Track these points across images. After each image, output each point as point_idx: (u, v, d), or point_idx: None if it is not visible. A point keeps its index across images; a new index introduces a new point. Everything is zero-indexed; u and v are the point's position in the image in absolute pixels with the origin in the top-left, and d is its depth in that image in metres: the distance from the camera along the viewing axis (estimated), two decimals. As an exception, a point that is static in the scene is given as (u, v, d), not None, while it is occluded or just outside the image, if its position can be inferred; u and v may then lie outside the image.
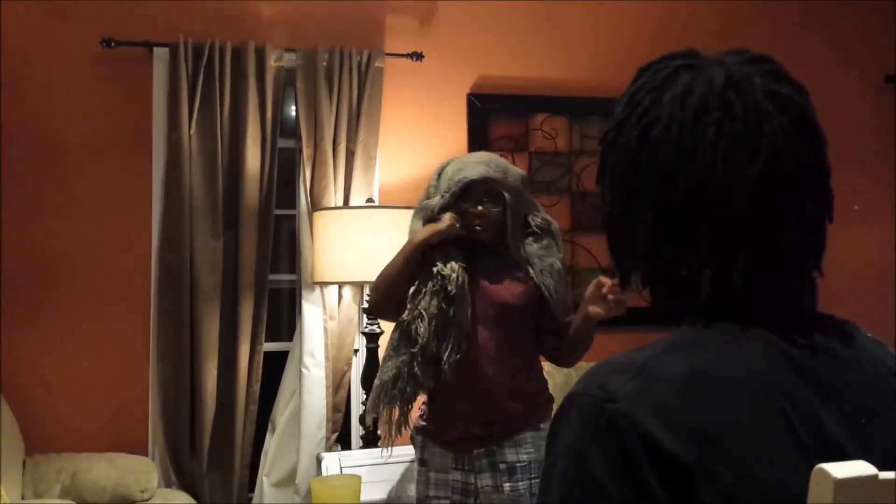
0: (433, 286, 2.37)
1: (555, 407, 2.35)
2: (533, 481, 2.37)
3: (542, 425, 2.41)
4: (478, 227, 2.42)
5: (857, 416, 0.82)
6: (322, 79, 3.56)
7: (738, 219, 0.84)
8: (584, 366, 2.72)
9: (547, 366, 3.67)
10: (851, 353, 0.87)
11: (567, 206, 3.96)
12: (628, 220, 0.90)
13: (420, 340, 2.36)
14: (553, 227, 2.52)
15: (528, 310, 2.43)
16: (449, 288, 2.34)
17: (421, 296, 2.39)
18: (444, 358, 2.34)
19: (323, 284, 3.48)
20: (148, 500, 3.16)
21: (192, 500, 3.30)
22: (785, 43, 4.18)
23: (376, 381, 2.46)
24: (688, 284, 0.87)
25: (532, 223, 2.49)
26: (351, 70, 3.60)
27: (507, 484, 2.36)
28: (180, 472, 3.42)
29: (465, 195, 2.41)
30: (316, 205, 3.53)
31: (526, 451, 2.38)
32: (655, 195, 0.87)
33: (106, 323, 3.51)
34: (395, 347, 2.44)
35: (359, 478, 2.53)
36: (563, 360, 2.55)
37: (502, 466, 2.38)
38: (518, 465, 2.37)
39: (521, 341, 2.46)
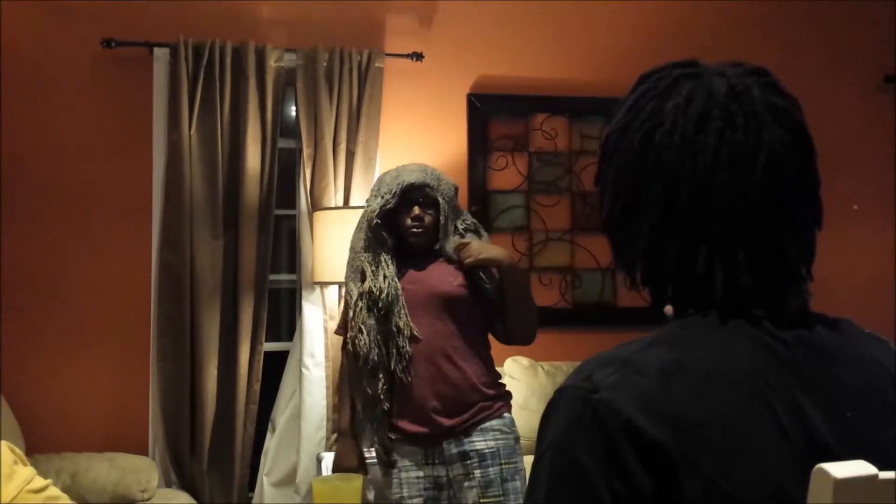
0: (367, 302, 2.49)
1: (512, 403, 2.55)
2: (503, 467, 2.46)
3: (505, 414, 2.52)
4: (414, 230, 2.54)
5: (844, 410, 0.84)
6: (322, 79, 3.56)
7: (739, 221, 0.87)
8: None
9: (546, 365, 3.68)
10: (841, 349, 0.90)
11: (567, 206, 3.96)
12: (631, 221, 0.93)
13: (361, 353, 2.47)
14: (480, 229, 2.67)
15: (469, 297, 2.53)
16: (380, 305, 2.47)
17: (357, 312, 2.51)
18: (392, 366, 2.45)
19: (323, 284, 3.48)
20: (148, 499, 3.16)
21: (193, 500, 3.30)
22: (785, 43, 4.18)
23: (353, 418, 2.60)
24: (697, 283, 0.89)
25: (460, 227, 2.63)
26: (351, 70, 3.60)
27: (478, 471, 2.44)
28: (180, 472, 3.42)
29: (403, 201, 2.53)
30: (316, 205, 3.53)
31: (494, 437, 2.47)
32: (659, 197, 0.90)
33: (106, 323, 3.51)
34: (351, 379, 2.58)
35: (360, 477, 2.52)
36: (514, 337, 2.62)
37: (472, 454, 2.45)
38: (487, 451, 2.45)
39: (471, 332, 2.54)
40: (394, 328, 2.46)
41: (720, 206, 0.87)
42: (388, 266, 2.51)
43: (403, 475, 2.51)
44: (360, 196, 3.58)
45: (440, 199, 2.54)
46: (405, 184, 2.52)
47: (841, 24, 4.27)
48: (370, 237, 2.55)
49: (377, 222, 2.52)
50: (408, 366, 2.46)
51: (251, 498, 3.55)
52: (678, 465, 0.77)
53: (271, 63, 3.54)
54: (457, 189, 2.66)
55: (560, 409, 0.84)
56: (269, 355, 3.62)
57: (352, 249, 2.63)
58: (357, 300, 2.51)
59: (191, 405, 3.42)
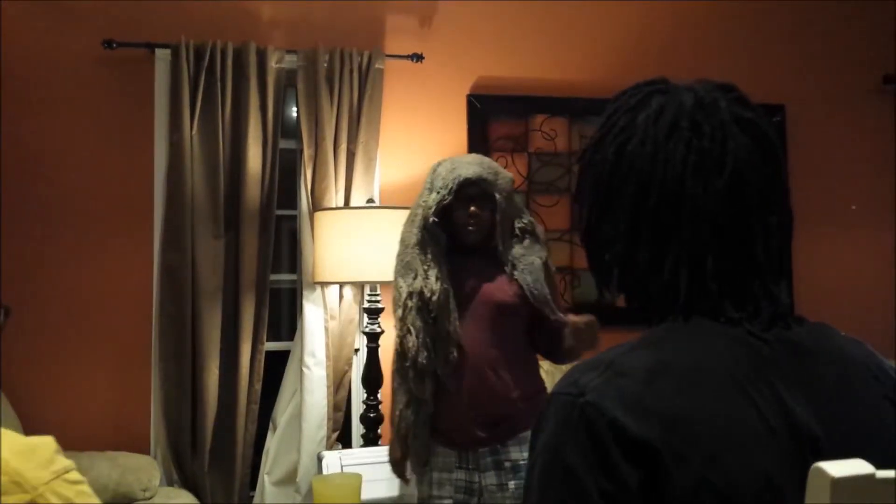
0: (417, 302, 2.40)
1: None
2: None
3: None
4: (470, 229, 2.45)
5: (828, 403, 0.87)
6: (323, 80, 3.57)
7: (707, 226, 0.91)
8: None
9: (546, 365, 3.68)
10: (819, 346, 0.93)
11: (567, 206, 3.96)
12: (606, 227, 0.97)
13: (409, 354, 2.40)
14: (537, 230, 2.56)
15: (521, 307, 2.46)
16: (430, 308, 2.39)
17: (407, 311, 2.42)
18: (439, 371, 2.40)
19: (324, 284, 3.49)
20: (149, 498, 3.17)
21: (194, 499, 3.30)
22: (785, 42, 4.19)
23: (394, 413, 2.50)
24: (665, 287, 0.93)
25: (517, 227, 2.52)
26: (351, 71, 3.60)
27: (513, 482, 2.39)
28: (182, 471, 3.43)
29: (458, 196, 2.42)
30: (317, 205, 3.53)
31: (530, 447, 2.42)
32: (632, 202, 0.93)
33: (108, 323, 3.51)
34: (399, 372, 2.49)
35: (360, 476, 2.53)
36: (558, 359, 2.60)
37: (507, 465, 2.41)
38: (522, 462, 2.40)
39: (517, 340, 2.48)
40: (443, 333, 2.39)
41: (688, 212, 0.91)
42: (440, 267, 2.42)
43: (435, 474, 2.47)
44: (360, 196, 3.58)
45: (497, 195, 2.43)
46: (461, 178, 2.41)
47: (841, 25, 4.27)
48: (424, 235, 2.44)
49: (434, 220, 2.42)
50: (454, 373, 2.39)
51: (252, 497, 3.55)
52: (667, 461, 0.79)
53: (272, 64, 3.55)
54: (513, 183, 2.54)
55: (549, 415, 0.87)
56: (270, 355, 3.62)
57: (402, 242, 2.51)
58: (406, 299, 2.42)
59: (192, 404, 3.42)
